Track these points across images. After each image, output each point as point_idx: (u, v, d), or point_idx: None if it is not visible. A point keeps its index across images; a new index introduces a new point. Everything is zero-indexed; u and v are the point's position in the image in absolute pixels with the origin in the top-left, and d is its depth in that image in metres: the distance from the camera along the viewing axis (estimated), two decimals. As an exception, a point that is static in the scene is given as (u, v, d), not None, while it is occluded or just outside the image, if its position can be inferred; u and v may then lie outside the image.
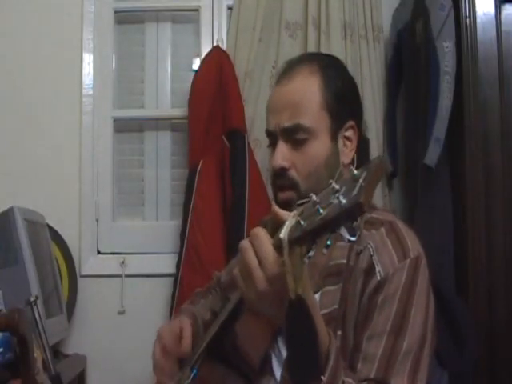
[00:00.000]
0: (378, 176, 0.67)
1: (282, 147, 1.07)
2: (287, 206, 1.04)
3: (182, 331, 1.16)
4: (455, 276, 1.80)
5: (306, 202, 0.75)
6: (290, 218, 0.76)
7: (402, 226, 1.03)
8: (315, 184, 1.03)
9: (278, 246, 0.78)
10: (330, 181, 0.72)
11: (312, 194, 0.74)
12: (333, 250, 1.02)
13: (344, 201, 0.66)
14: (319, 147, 1.06)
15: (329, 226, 0.69)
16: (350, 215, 0.66)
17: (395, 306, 0.94)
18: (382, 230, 1.01)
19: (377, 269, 0.97)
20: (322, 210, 0.69)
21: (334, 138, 1.07)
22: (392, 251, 0.98)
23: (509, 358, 1.68)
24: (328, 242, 0.82)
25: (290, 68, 1.12)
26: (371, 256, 0.98)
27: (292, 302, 0.77)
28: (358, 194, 0.65)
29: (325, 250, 0.80)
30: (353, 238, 0.70)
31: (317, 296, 0.99)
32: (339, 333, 0.97)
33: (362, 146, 1.17)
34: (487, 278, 1.71)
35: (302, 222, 0.73)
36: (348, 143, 1.10)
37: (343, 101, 1.09)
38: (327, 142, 1.07)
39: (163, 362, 1.13)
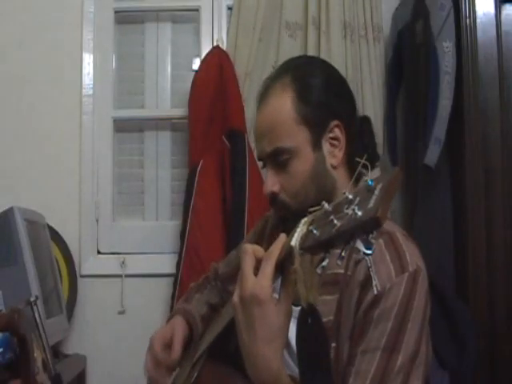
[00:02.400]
0: (394, 188, 0.64)
1: (270, 173, 1.07)
2: (284, 221, 1.07)
3: (173, 338, 1.17)
4: (455, 276, 1.80)
5: (317, 210, 0.74)
6: (300, 226, 0.75)
7: (401, 238, 1.00)
8: (304, 200, 1.03)
9: (289, 253, 0.76)
10: (344, 191, 0.69)
11: (324, 203, 0.72)
12: (331, 257, 1.01)
13: (359, 213, 0.64)
14: (302, 163, 1.04)
15: (343, 238, 0.68)
16: (366, 228, 0.64)
17: (391, 322, 0.92)
18: (381, 241, 0.98)
19: (374, 282, 0.94)
20: (336, 221, 0.67)
21: (316, 146, 1.05)
22: (390, 264, 0.96)
23: (509, 358, 1.68)
24: (343, 254, 0.82)
25: (265, 88, 1.11)
26: (368, 268, 0.96)
27: (303, 310, 0.77)
28: (374, 207, 0.63)
29: (339, 262, 0.80)
30: (369, 251, 0.68)
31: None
32: (333, 345, 0.95)
33: (363, 127, 1.15)
34: (487, 278, 1.71)
35: (314, 231, 0.71)
36: (336, 143, 1.07)
37: (322, 105, 1.06)
38: (309, 155, 1.05)
39: (154, 373, 1.15)
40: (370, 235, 0.66)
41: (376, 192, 0.64)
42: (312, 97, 1.06)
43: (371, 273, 0.95)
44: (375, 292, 0.94)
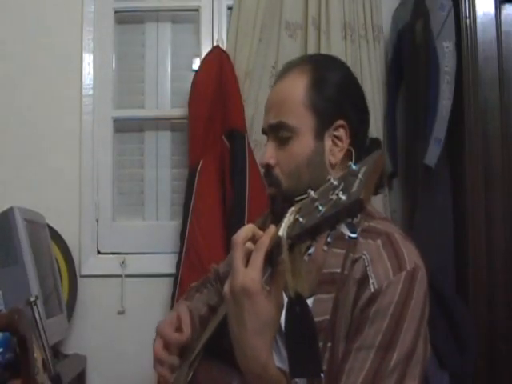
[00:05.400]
0: (376, 170, 0.66)
1: (270, 145, 1.11)
2: (273, 200, 1.10)
3: (181, 320, 1.17)
4: (455, 276, 1.80)
5: (304, 199, 0.74)
6: (287, 216, 0.75)
7: (399, 238, 1.00)
8: (296, 182, 1.07)
9: (277, 244, 0.77)
10: (329, 177, 0.71)
11: (310, 191, 0.73)
12: (327, 256, 1.01)
13: (343, 197, 0.65)
14: (301, 146, 1.07)
15: (329, 223, 0.68)
16: (350, 212, 0.65)
17: (387, 321, 0.91)
18: (379, 241, 0.99)
19: (371, 280, 0.94)
20: (321, 207, 0.68)
21: (318, 136, 1.08)
22: (387, 264, 0.95)
23: (509, 358, 1.68)
24: (329, 239, 0.81)
25: (284, 69, 1.15)
26: (366, 267, 0.96)
27: (291, 299, 0.77)
28: (357, 190, 0.64)
29: (325, 247, 0.79)
30: (353, 235, 0.69)
31: (310, 301, 0.98)
32: (329, 344, 0.95)
33: (372, 148, 1.15)
34: (487, 278, 1.71)
35: (300, 219, 0.72)
36: (339, 142, 1.09)
37: (333, 101, 1.09)
38: (310, 141, 1.07)
39: (164, 356, 1.14)
40: (355, 219, 0.66)
41: (360, 175, 0.65)
42: (325, 90, 1.09)
43: (368, 271, 0.96)
44: (372, 290, 0.94)
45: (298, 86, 1.09)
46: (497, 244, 1.72)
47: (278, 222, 0.77)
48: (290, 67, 1.14)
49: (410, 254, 0.97)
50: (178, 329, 1.17)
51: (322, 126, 1.08)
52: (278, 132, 1.09)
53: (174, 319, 1.19)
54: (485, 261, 1.71)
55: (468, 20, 1.76)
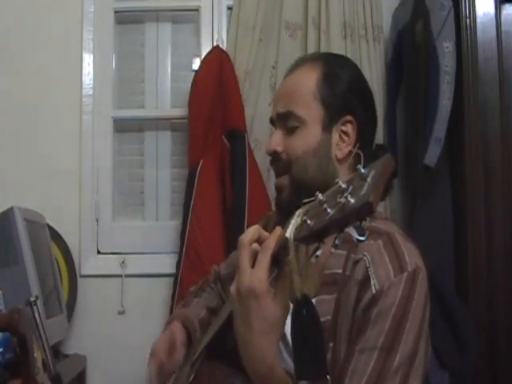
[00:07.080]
0: (386, 174, 0.66)
1: (277, 133, 1.12)
2: (279, 192, 1.11)
3: (175, 340, 1.18)
4: (455, 276, 1.80)
5: (312, 201, 0.74)
6: (295, 217, 0.75)
7: (400, 239, 1.00)
8: (303, 169, 1.08)
9: (284, 245, 0.77)
10: (337, 179, 0.71)
11: (318, 193, 0.73)
12: (329, 257, 1.01)
13: (352, 200, 0.65)
14: (308, 136, 1.08)
15: (337, 226, 0.68)
16: (359, 215, 0.65)
17: (389, 322, 0.91)
18: (380, 241, 0.99)
19: (372, 282, 0.94)
20: (329, 210, 0.68)
21: (326, 129, 1.09)
22: (388, 264, 0.95)
23: (509, 358, 1.68)
24: (337, 242, 0.82)
25: (296, 63, 1.17)
26: (367, 268, 0.96)
27: (298, 301, 0.77)
28: (366, 194, 0.63)
29: (333, 250, 0.79)
30: (362, 238, 0.68)
31: (313, 301, 0.98)
32: (331, 345, 0.95)
33: (378, 152, 1.16)
34: (487, 278, 1.71)
35: (308, 221, 0.72)
36: (345, 138, 1.10)
37: (342, 96, 1.10)
38: (318, 132, 1.09)
39: (158, 380, 1.16)
40: (363, 222, 0.66)
41: (368, 179, 0.65)
42: (336, 85, 1.10)
43: (369, 272, 0.95)
44: (373, 291, 0.93)
45: (309, 79, 1.10)
46: (497, 244, 1.72)
47: (283, 216, 0.77)
48: (302, 61, 1.16)
49: (411, 255, 0.97)
50: (172, 348, 1.17)
51: (330, 119, 1.09)
52: (287, 121, 1.10)
53: (168, 339, 1.19)
54: (485, 261, 1.71)
55: (468, 20, 1.76)
